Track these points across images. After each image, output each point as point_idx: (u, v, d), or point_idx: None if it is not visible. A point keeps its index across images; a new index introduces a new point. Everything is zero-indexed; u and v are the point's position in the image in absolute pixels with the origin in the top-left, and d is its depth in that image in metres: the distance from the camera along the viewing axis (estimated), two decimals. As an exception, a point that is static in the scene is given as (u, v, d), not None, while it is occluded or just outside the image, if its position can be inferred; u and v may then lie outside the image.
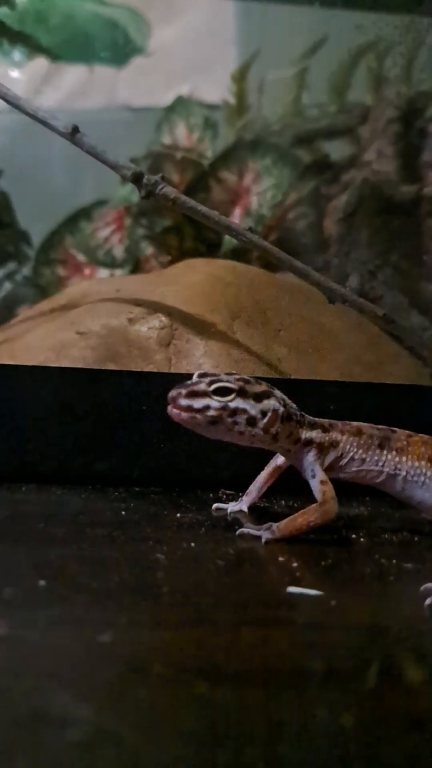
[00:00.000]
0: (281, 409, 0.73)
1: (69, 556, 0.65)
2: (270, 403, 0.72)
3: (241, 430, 0.72)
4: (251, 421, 0.72)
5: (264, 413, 0.72)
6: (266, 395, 0.73)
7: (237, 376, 0.73)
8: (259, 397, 0.72)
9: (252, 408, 0.72)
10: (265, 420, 0.72)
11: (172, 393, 0.71)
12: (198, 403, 0.71)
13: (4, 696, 0.41)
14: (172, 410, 0.71)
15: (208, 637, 0.51)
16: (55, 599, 0.55)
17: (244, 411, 0.71)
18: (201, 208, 0.94)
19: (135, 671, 0.46)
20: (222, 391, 0.71)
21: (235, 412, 0.71)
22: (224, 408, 0.71)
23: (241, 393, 0.71)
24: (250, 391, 0.72)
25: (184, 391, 0.71)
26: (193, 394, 0.71)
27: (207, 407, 0.71)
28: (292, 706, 0.43)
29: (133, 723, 0.40)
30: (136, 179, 0.92)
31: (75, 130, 0.91)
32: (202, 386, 0.71)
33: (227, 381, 0.71)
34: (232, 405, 0.71)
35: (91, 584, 0.58)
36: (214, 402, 0.71)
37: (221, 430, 0.72)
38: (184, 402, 0.70)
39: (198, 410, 0.70)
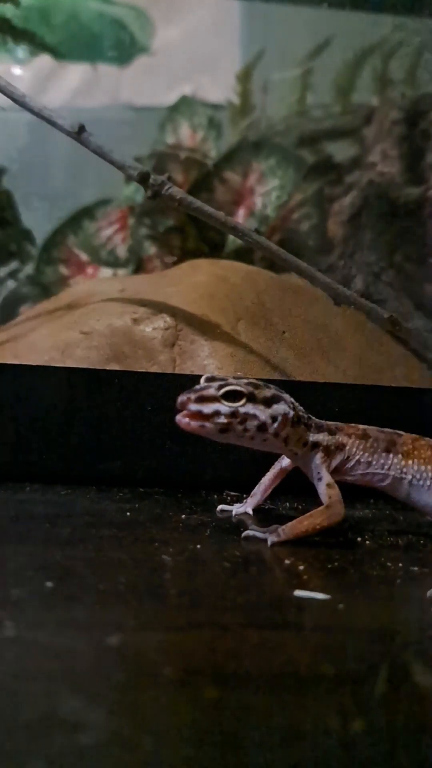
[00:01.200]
0: (291, 413, 0.73)
1: (75, 557, 0.64)
2: (280, 408, 0.72)
3: (251, 436, 0.71)
4: (262, 427, 0.71)
5: (274, 418, 0.71)
6: (276, 399, 0.72)
7: (246, 380, 0.73)
8: (268, 402, 0.72)
9: (262, 413, 0.71)
10: (276, 425, 0.72)
11: (181, 398, 0.70)
12: (208, 408, 0.70)
13: (12, 699, 0.41)
14: (181, 419, 0.70)
15: (216, 639, 0.50)
16: (62, 600, 0.55)
17: (255, 417, 0.71)
18: (207, 208, 0.94)
19: (144, 674, 0.45)
20: (232, 396, 0.70)
21: (245, 418, 0.70)
22: (234, 414, 0.70)
23: (251, 398, 0.71)
24: (260, 395, 0.71)
25: (193, 396, 0.70)
26: (203, 399, 0.70)
27: (217, 412, 0.70)
28: (301, 709, 0.43)
29: (142, 726, 0.40)
30: (143, 179, 0.92)
31: (81, 129, 0.91)
32: (212, 391, 0.70)
33: (237, 385, 0.71)
34: (242, 410, 0.70)
35: (98, 585, 0.58)
36: (224, 407, 0.70)
37: (231, 437, 0.71)
38: (194, 407, 0.69)
39: (207, 417, 0.70)
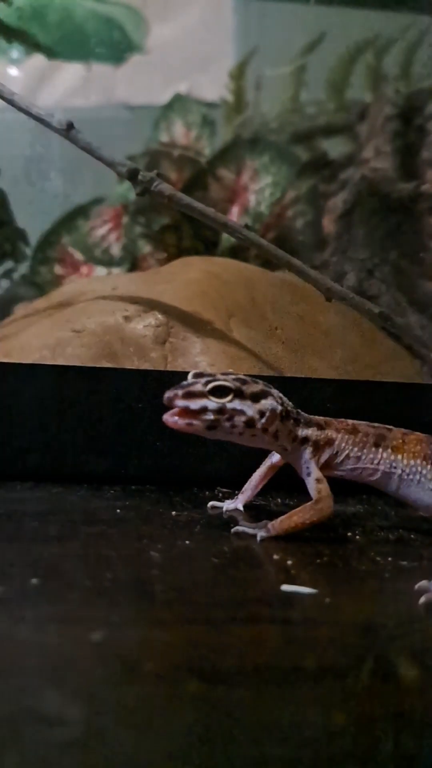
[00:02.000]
0: (279, 408, 0.72)
1: (63, 554, 0.64)
2: (267, 403, 0.71)
3: (240, 432, 0.71)
4: (250, 423, 0.71)
5: (262, 413, 0.71)
6: (263, 395, 0.72)
7: (233, 376, 0.72)
8: (256, 397, 0.71)
9: (249, 409, 0.70)
10: (264, 420, 0.71)
11: (168, 394, 0.69)
12: (195, 404, 0.69)
13: (-8, 694, 0.41)
14: (168, 418, 0.69)
15: (201, 635, 0.50)
16: (47, 597, 0.55)
17: (242, 413, 0.70)
18: (197, 205, 0.93)
19: (126, 669, 0.45)
20: (219, 391, 0.70)
21: (232, 414, 0.70)
22: (221, 410, 0.70)
23: (239, 394, 0.70)
24: (247, 391, 0.71)
25: (180, 392, 0.69)
26: (190, 395, 0.69)
27: (204, 408, 0.69)
28: (284, 703, 0.43)
29: (122, 721, 0.39)
30: (132, 176, 0.92)
31: (70, 126, 0.91)
32: (199, 386, 0.70)
33: (224, 380, 0.70)
34: (229, 406, 0.70)
35: (84, 582, 0.58)
36: (212, 403, 0.69)
37: (220, 433, 0.71)
38: (181, 403, 0.69)
39: (195, 414, 0.69)
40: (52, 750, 0.37)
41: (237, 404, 0.70)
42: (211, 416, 0.69)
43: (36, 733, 0.38)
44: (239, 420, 0.70)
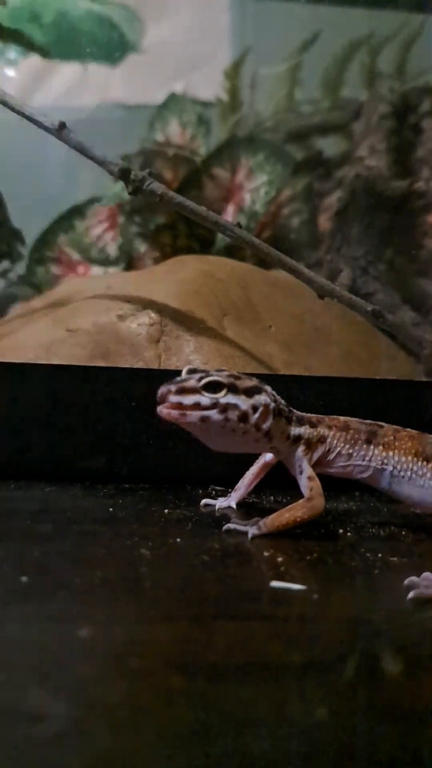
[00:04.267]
0: (272, 404, 0.72)
1: (53, 552, 0.64)
2: (261, 398, 0.71)
3: (233, 428, 0.70)
4: (243, 417, 0.70)
5: (255, 408, 0.71)
6: (257, 390, 0.72)
7: (227, 372, 0.72)
8: (249, 393, 0.71)
9: (243, 403, 0.70)
10: (257, 415, 0.71)
11: (162, 390, 0.70)
12: (188, 399, 0.69)
13: (-24, 691, 0.41)
14: (162, 409, 0.70)
15: (187, 631, 0.50)
16: (35, 595, 0.55)
17: (235, 407, 0.70)
18: (188, 203, 0.94)
19: (111, 666, 0.45)
20: (212, 387, 0.70)
21: (226, 408, 0.70)
22: (215, 404, 0.70)
23: (232, 388, 0.70)
24: (241, 386, 0.71)
25: (173, 388, 0.69)
26: (183, 391, 0.69)
27: (197, 404, 0.69)
28: (268, 699, 0.43)
29: (107, 717, 0.40)
30: (123, 175, 0.92)
31: (62, 126, 0.91)
32: (192, 382, 0.70)
33: (217, 376, 0.70)
34: (222, 401, 0.70)
35: (73, 580, 0.58)
36: (204, 398, 0.70)
37: (213, 428, 0.70)
38: (174, 399, 0.69)
39: (188, 407, 0.69)
40: (35, 747, 0.37)
41: (230, 398, 0.70)
42: (204, 412, 0.70)
43: (16, 728, 0.38)
44: (233, 414, 0.70)
